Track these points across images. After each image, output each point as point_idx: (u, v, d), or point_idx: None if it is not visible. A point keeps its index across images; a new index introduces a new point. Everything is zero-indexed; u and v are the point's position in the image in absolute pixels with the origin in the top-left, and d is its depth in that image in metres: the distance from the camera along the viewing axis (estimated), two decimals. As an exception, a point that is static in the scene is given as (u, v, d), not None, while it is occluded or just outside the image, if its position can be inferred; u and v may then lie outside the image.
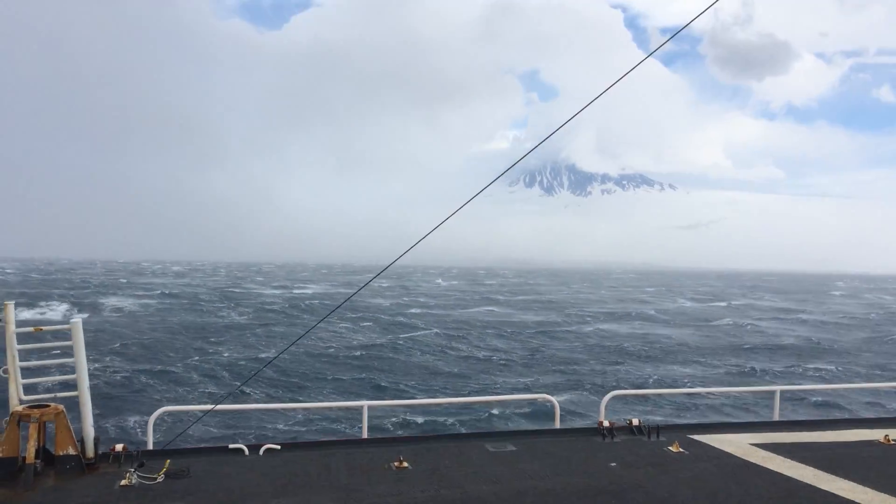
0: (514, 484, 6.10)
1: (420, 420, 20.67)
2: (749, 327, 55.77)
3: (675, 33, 5.46)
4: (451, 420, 20.94)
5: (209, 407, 7.89)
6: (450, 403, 21.08)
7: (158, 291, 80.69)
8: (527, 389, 26.69)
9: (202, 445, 8.56)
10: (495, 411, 21.36)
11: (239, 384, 21.74)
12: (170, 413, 8.06)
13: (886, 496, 5.96)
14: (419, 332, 45.62)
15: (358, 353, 35.55)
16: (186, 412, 17.62)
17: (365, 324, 50.57)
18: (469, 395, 25.20)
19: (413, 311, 63.94)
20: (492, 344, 41.59)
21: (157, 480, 6.02)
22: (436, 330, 47.18)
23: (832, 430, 8.18)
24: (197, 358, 33.09)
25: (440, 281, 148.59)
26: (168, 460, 6.36)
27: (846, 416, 10.02)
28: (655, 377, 30.43)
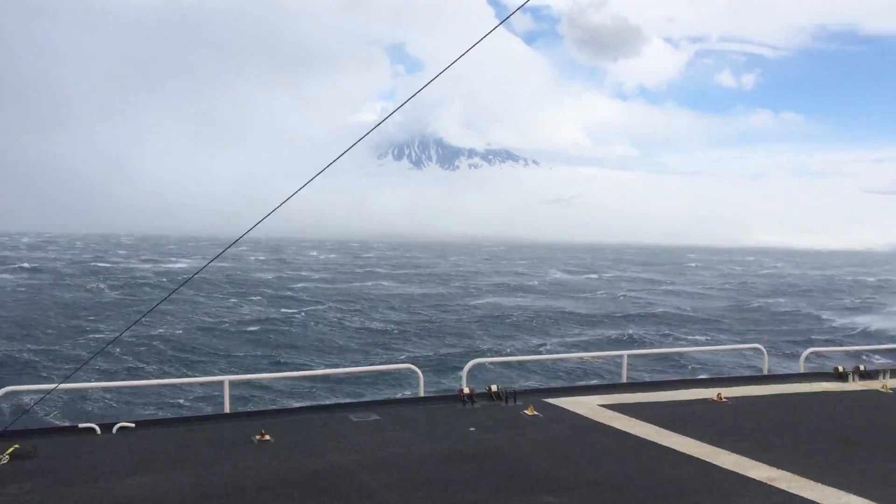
0: (376, 452, 6.22)
1: (288, 394, 20.53)
2: (622, 298, 58.98)
3: (524, 3, 5.64)
4: (320, 393, 20.94)
5: (53, 386, 7.49)
6: (314, 376, 21.01)
7: (15, 265, 74.50)
8: (411, 360, 27.09)
9: (50, 426, 8.12)
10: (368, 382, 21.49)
11: (86, 359, 20.63)
12: (14, 392, 7.58)
13: (716, 448, 6.54)
14: (311, 307, 44.95)
15: (254, 329, 34.87)
16: (35, 391, 16.61)
17: (253, 297, 49.49)
18: (336, 367, 25.21)
19: (299, 285, 62.73)
20: (387, 316, 41.80)
21: (2, 462, 5.69)
22: (329, 304, 46.78)
23: (673, 390, 8.84)
24: (81, 338, 31.23)
25: (315, 253, 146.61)
26: (15, 443, 6.02)
27: (686, 377, 10.92)
28: (545, 345, 31.86)
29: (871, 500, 5.42)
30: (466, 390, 8.01)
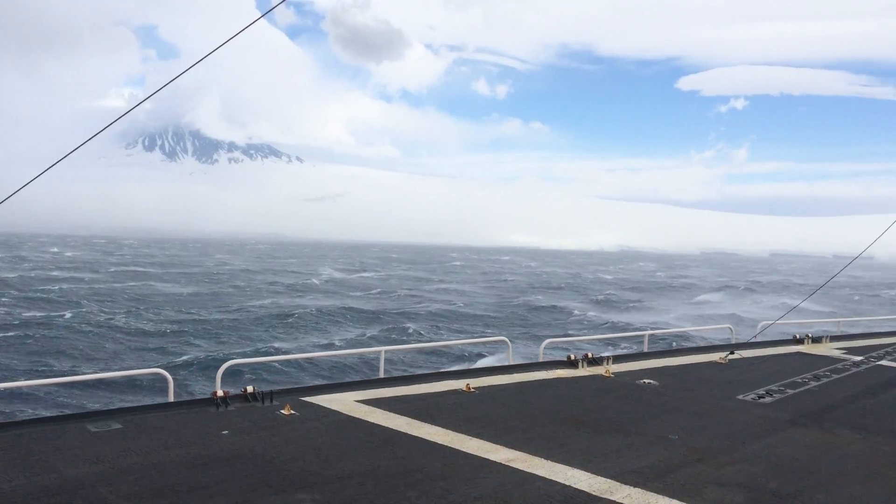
0: (117, 462, 5.83)
1: (18, 404, 18.47)
2: (399, 295, 60.22)
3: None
4: (63, 402, 19.08)
5: None
6: (48, 384, 19.07)
7: None
8: (181, 364, 25.42)
9: None
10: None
11: None
12: None
13: (463, 435, 6.96)
14: (72, 309, 40.37)
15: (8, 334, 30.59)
16: None
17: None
18: (77, 374, 23.10)
19: (54, 286, 55.95)
20: (160, 316, 38.85)
21: None
22: (91, 305, 42.46)
23: (426, 382, 9.24)
24: None
25: (56, 250, 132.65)
26: None
27: (440, 369, 11.51)
28: (329, 343, 31.51)
29: (590, 472, 6.10)
30: (220, 393, 7.76)
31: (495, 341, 13.18)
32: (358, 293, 62.24)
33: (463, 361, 24.93)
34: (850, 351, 12.77)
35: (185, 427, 6.94)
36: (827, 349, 12.93)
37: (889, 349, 13.04)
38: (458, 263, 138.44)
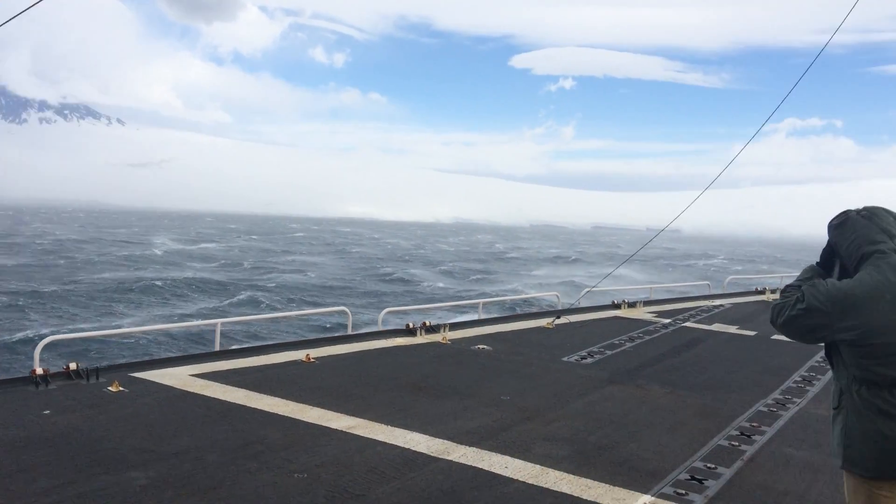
0: (-81, 450, 5.33)
1: None
2: (247, 265, 57.94)
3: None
4: None
5: None
6: None
7: None
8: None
9: None
10: None
11: None
12: None
13: (303, 405, 6.98)
14: None
15: None
16: None
17: None
18: None
19: None
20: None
21: None
22: None
23: (264, 354, 9.12)
24: None
25: None
26: None
27: (279, 341, 11.40)
28: (180, 316, 29.61)
29: (429, 434, 6.35)
30: (39, 371, 7.26)
31: (335, 311, 13.20)
32: (204, 264, 59.55)
33: (304, 332, 24.71)
34: (661, 314, 13.99)
35: (1, 408, 6.45)
36: (641, 313, 14.08)
37: (693, 312, 14.42)
38: (300, 234, 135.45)
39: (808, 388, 8.78)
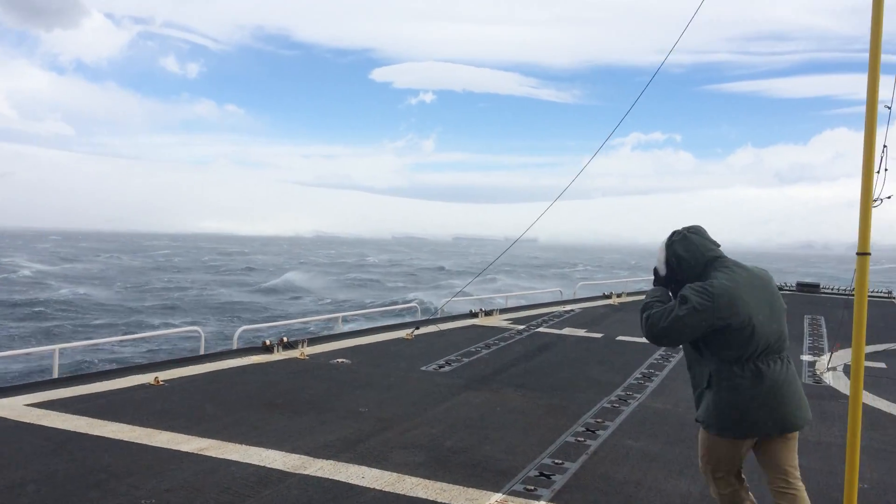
0: None
1: None
2: (126, 286, 53.76)
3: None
4: None
5: None
6: None
7: None
8: None
9: None
10: None
11: None
12: None
13: (151, 430, 6.71)
14: None
15: None
16: None
17: None
18: None
19: None
20: None
21: None
22: None
23: (109, 379, 8.68)
24: None
25: None
26: None
27: (126, 364, 10.87)
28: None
29: (285, 450, 6.29)
30: None
31: (187, 331, 12.72)
32: (84, 286, 55.00)
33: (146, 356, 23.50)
34: (516, 321, 14.50)
35: None
36: (497, 321, 14.53)
37: (545, 317, 15.05)
38: (165, 252, 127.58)
39: (647, 384, 9.40)
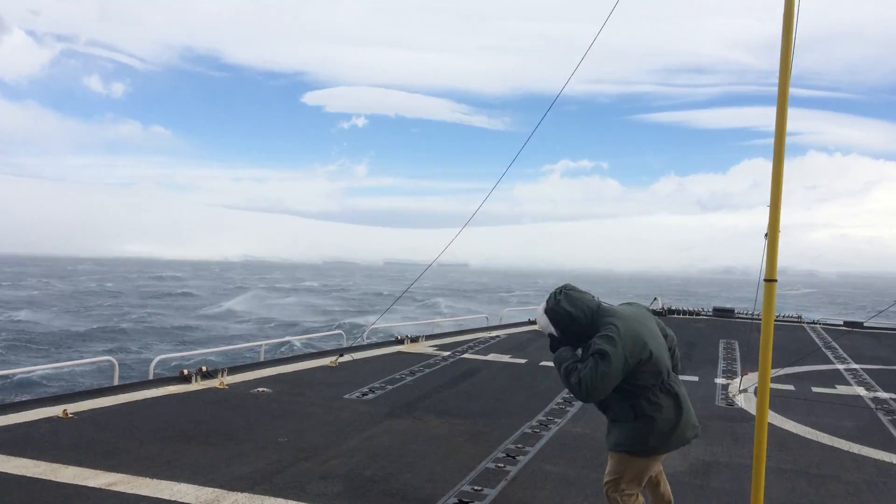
0: None
1: None
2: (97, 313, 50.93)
3: None
4: None
5: None
6: None
7: None
8: None
9: None
10: None
11: None
12: None
13: (56, 465, 6.43)
14: None
15: None
16: None
17: None
18: None
19: None
20: None
21: None
22: None
23: (15, 412, 8.28)
24: None
25: None
26: None
27: (34, 396, 10.39)
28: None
29: (198, 483, 6.12)
30: None
31: (99, 361, 12.24)
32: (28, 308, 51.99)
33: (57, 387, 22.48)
34: (441, 347, 14.52)
35: None
36: (423, 347, 14.53)
37: (471, 343, 15.13)
38: (93, 277, 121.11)
39: (568, 408, 9.54)
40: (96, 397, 9.20)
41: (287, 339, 28.22)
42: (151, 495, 5.83)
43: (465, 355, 13.72)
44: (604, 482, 4.71)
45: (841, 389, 11.45)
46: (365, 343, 14.31)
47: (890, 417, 9.62)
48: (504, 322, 19.32)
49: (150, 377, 10.42)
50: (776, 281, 4.95)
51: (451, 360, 13.21)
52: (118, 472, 6.35)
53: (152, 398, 9.38)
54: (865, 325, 20.40)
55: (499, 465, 6.96)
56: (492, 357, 13.65)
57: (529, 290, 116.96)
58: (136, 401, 9.18)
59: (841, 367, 13.56)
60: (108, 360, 10.76)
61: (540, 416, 9.02)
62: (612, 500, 4.61)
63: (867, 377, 12.56)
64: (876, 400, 10.73)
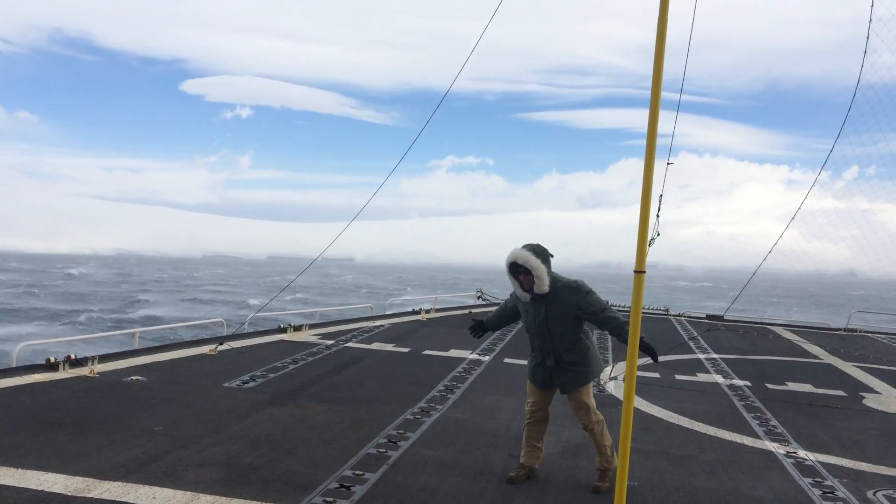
0: None
1: None
2: None
3: None
4: None
5: None
6: None
7: None
8: None
9: None
10: None
11: None
12: None
13: None
14: None
15: None
16: None
17: None
18: None
19: None
20: None
21: None
22: None
23: None
24: None
25: None
26: None
27: None
28: None
29: (67, 473, 5.89)
30: None
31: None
32: None
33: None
34: (325, 336, 14.46)
35: None
36: (306, 336, 14.41)
37: (355, 332, 15.14)
38: None
39: (449, 395, 9.76)
40: (-49, 386, 8.63)
41: (164, 326, 27.15)
42: (16, 485, 5.56)
43: (349, 344, 13.73)
44: (594, 419, 6.35)
45: (701, 377, 12.28)
46: (246, 332, 14.03)
47: (744, 403, 10.42)
48: (388, 312, 19.43)
49: (14, 364, 9.84)
50: (644, 272, 5.27)
51: (335, 348, 13.19)
52: (-23, 462, 6.01)
53: (15, 386, 8.87)
54: (725, 317, 21.85)
55: (380, 450, 7.06)
56: (375, 346, 13.73)
57: (427, 285, 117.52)
58: None
59: (702, 356, 14.52)
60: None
61: (421, 403, 9.18)
62: (598, 423, 6.35)
63: (725, 366, 13.51)
64: (731, 387, 11.58)
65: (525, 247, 6.09)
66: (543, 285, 6.04)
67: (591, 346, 6.35)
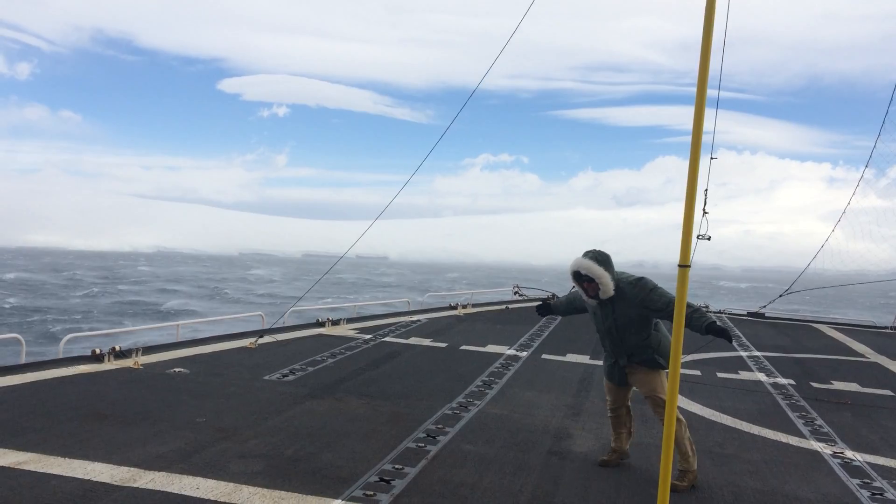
0: None
1: None
2: None
3: None
4: None
5: None
6: None
7: None
8: None
9: None
10: None
11: None
12: None
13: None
14: None
15: None
16: None
17: None
18: None
19: None
20: None
21: None
22: None
23: None
24: None
25: None
26: None
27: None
28: None
29: (113, 463, 5.98)
30: None
31: (5, 339, 11.67)
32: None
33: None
34: (363, 330, 14.52)
35: None
36: (344, 330, 14.49)
37: (392, 327, 15.18)
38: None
39: (487, 391, 9.73)
40: (2, 375, 8.84)
41: (204, 320, 27.56)
42: (63, 474, 5.67)
43: (387, 338, 13.77)
44: (662, 401, 6.10)
45: (743, 375, 12.07)
46: (285, 325, 14.16)
47: (787, 401, 10.21)
48: (425, 307, 19.45)
49: (60, 356, 10.06)
50: (689, 266, 5.18)
51: (373, 343, 13.24)
52: (28, 450, 6.15)
53: (62, 377, 9.07)
54: (766, 315, 21.46)
55: (419, 444, 7.06)
56: (413, 340, 13.75)
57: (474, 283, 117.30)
58: (46, 380, 8.86)
59: (744, 354, 14.27)
60: (17, 338, 10.31)
61: (460, 398, 9.17)
62: (677, 423, 5.99)
63: (767, 364, 13.27)
64: (775, 385, 11.36)
65: (586, 255, 6.17)
66: (609, 290, 6.08)
67: (661, 340, 6.27)
